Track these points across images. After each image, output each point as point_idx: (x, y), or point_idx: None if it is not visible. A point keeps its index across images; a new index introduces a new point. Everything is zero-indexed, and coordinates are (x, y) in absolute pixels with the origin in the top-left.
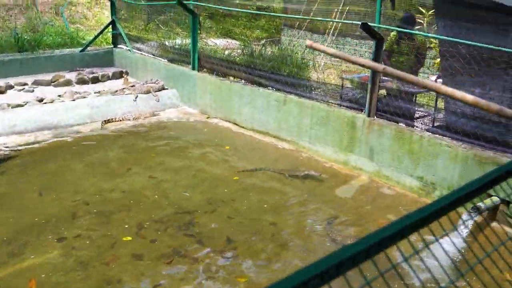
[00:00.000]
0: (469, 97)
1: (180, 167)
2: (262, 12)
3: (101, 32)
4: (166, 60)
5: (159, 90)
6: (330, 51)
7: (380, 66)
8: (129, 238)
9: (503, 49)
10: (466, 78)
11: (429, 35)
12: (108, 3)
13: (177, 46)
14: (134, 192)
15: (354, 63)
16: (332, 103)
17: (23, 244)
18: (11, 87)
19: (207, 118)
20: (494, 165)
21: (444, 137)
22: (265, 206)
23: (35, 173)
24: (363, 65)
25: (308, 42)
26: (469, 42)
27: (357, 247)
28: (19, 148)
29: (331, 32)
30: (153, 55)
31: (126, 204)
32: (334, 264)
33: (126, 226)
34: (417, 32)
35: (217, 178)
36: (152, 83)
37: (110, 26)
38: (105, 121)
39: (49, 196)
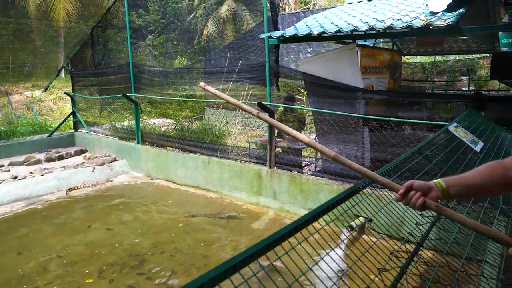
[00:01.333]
0: (316, 144)
1: (132, 220)
2: (187, 99)
3: (64, 120)
4: (117, 138)
5: (112, 162)
6: (221, 95)
7: (254, 111)
8: (91, 280)
9: (352, 114)
10: (333, 136)
11: (304, 108)
12: (70, 98)
13: (125, 127)
14: (95, 243)
15: (238, 107)
16: (243, 160)
17: None
18: None
19: (151, 179)
20: None
21: (323, 178)
22: (202, 244)
23: (12, 236)
24: (244, 110)
25: (201, 84)
26: (330, 111)
27: (243, 255)
28: None
29: (239, 109)
30: (106, 135)
31: (88, 253)
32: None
33: (87, 271)
34: (295, 106)
35: (161, 226)
36: (106, 156)
37: (71, 115)
38: (69, 189)
39: (24, 254)
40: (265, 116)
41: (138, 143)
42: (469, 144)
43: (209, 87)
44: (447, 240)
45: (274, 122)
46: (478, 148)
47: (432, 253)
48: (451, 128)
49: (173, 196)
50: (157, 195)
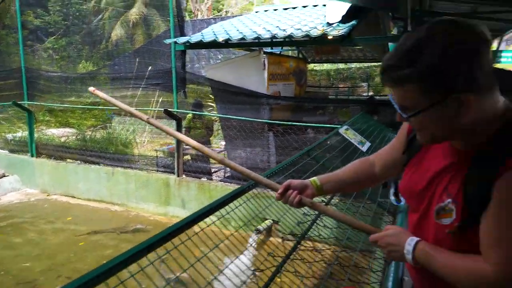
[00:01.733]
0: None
1: (22, 242)
2: (92, 107)
3: None
4: (7, 151)
5: (0, 178)
6: (111, 100)
7: (144, 116)
8: None
9: (257, 120)
10: (240, 141)
11: (212, 114)
12: None
13: (17, 138)
14: None
15: (128, 112)
16: (150, 169)
17: None
18: None
19: (47, 196)
20: None
21: (231, 184)
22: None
23: None
24: (134, 115)
25: (91, 88)
26: (236, 117)
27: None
28: None
29: (151, 115)
30: None
31: None
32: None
33: None
34: (203, 112)
35: (58, 246)
36: None
37: None
38: None
39: None
40: (154, 121)
41: (32, 155)
42: (357, 145)
43: (98, 92)
44: (326, 235)
45: (164, 127)
46: (364, 148)
47: (311, 249)
48: (341, 130)
49: (73, 212)
50: (54, 213)
